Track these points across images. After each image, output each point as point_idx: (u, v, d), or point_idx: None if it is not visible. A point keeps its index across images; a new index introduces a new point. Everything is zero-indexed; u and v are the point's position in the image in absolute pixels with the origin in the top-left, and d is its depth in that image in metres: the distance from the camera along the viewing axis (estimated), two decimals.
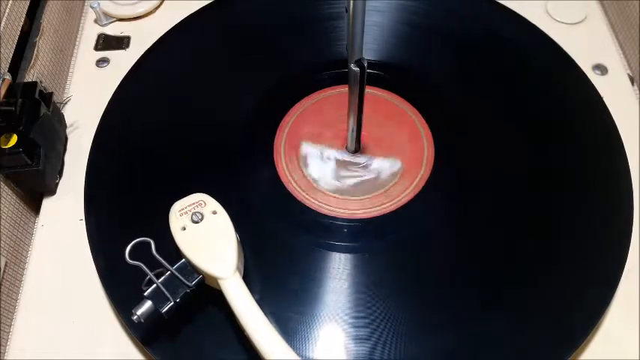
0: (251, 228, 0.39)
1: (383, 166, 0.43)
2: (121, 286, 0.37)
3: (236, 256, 0.35)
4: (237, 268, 0.34)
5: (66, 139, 0.46)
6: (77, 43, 0.53)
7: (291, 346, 0.32)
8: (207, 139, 0.45)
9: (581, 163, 0.43)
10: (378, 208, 0.41)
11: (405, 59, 0.49)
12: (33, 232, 0.43)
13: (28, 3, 0.48)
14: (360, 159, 0.44)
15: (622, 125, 0.44)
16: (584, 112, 0.46)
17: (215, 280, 0.34)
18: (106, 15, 0.54)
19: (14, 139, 0.40)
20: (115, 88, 0.47)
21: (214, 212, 0.36)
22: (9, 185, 0.42)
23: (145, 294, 0.33)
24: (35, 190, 0.44)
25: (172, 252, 0.35)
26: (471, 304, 0.37)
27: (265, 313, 0.33)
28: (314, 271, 0.38)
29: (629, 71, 0.50)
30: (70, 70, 0.51)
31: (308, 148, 0.44)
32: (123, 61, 0.50)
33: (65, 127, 0.47)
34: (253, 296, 0.34)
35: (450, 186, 0.42)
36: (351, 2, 0.32)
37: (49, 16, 0.50)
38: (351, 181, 0.43)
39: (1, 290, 0.38)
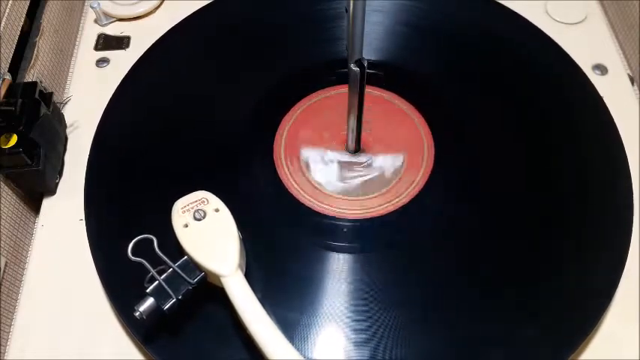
0: (251, 227, 0.39)
1: (385, 162, 0.43)
2: (121, 286, 0.37)
3: (238, 253, 0.35)
4: (239, 265, 0.34)
5: (66, 139, 0.46)
6: (77, 43, 0.53)
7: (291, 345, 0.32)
8: (207, 138, 0.45)
9: (581, 163, 0.43)
10: (378, 208, 0.41)
11: (405, 59, 0.49)
12: (33, 232, 0.43)
13: (28, 3, 0.48)
14: (362, 158, 0.44)
15: (622, 125, 0.44)
16: (584, 112, 0.46)
17: (217, 277, 0.34)
18: (106, 15, 0.54)
19: (14, 139, 0.40)
20: (115, 88, 0.47)
21: (217, 210, 0.36)
22: (9, 185, 0.42)
23: (147, 291, 0.33)
24: (35, 190, 0.44)
25: (174, 251, 0.35)
26: (471, 304, 0.37)
27: (267, 312, 0.33)
28: (315, 271, 0.38)
29: (629, 71, 0.50)
30: (70, 70, 0.51)
31: (308, 149, 0.44)
32: (123, 61, 0.50)
33: (65, 127, 0.47)
34: (255, 294, 0.34)
35: (450, 185, 0.42)
36: (351, 2, 0.32)
37: (49, 16, 0.50)
38: (350, 181, 0.43)
39: (1, 290, 0.38)
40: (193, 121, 0.46)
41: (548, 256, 0.39)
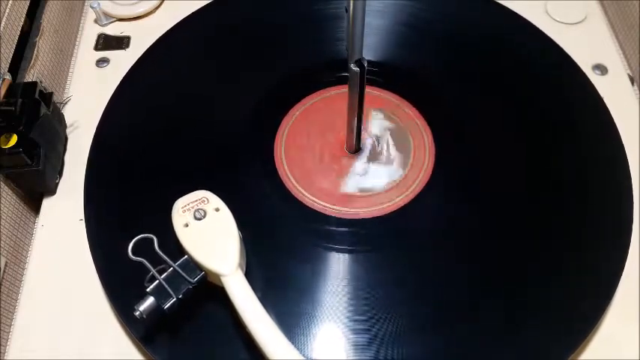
0: (251, 226, 0.39)
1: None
2: (121, 286, 0.37)
3: (238, 252, 0.35)
4: (240, 265, 0.34)
5: (66, 139, 0.46)
6: (77, 43, 0.53)
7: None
8: (207, 138, 0.45)
9: (581, 163, 0.43)
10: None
11: (405, 59, 0.49)
12: (33, 232, 0.43)
13: (28, 3, 0.48)
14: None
15: (622, 125, 0.44)
16: (584, 112, 0.46)
17: (217, 276, 0.34)
18: (106, 15, 0.54)
19: (14, 139, 0.40)
20: (115, 88, 0.47)
21: (217, 209, 0.36)
22: (9, 185, 0.42)
23: (148, 290, 0.33)
24: (35, 190, 0.44)
25: (174, 250, 0.35)
26: (471, 305, 0.37)
27: (267, 311, 0.33)
28: (315, 270, 0.38)
29: (629, 71, 0.50)
30: (70, 70, 0.51)
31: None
32: (123, 61, 0.50)
33: (65, 127, 0.47)
34: (255, 294, 0.34)
35: (451, 186, 0.42)
36: (351, 2, 0.32)
37: (49, 16, 0.50)
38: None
39: (1, 290, 0.38)
40: (193, 120, 0.46)
41: (548, 256, 0.39)
